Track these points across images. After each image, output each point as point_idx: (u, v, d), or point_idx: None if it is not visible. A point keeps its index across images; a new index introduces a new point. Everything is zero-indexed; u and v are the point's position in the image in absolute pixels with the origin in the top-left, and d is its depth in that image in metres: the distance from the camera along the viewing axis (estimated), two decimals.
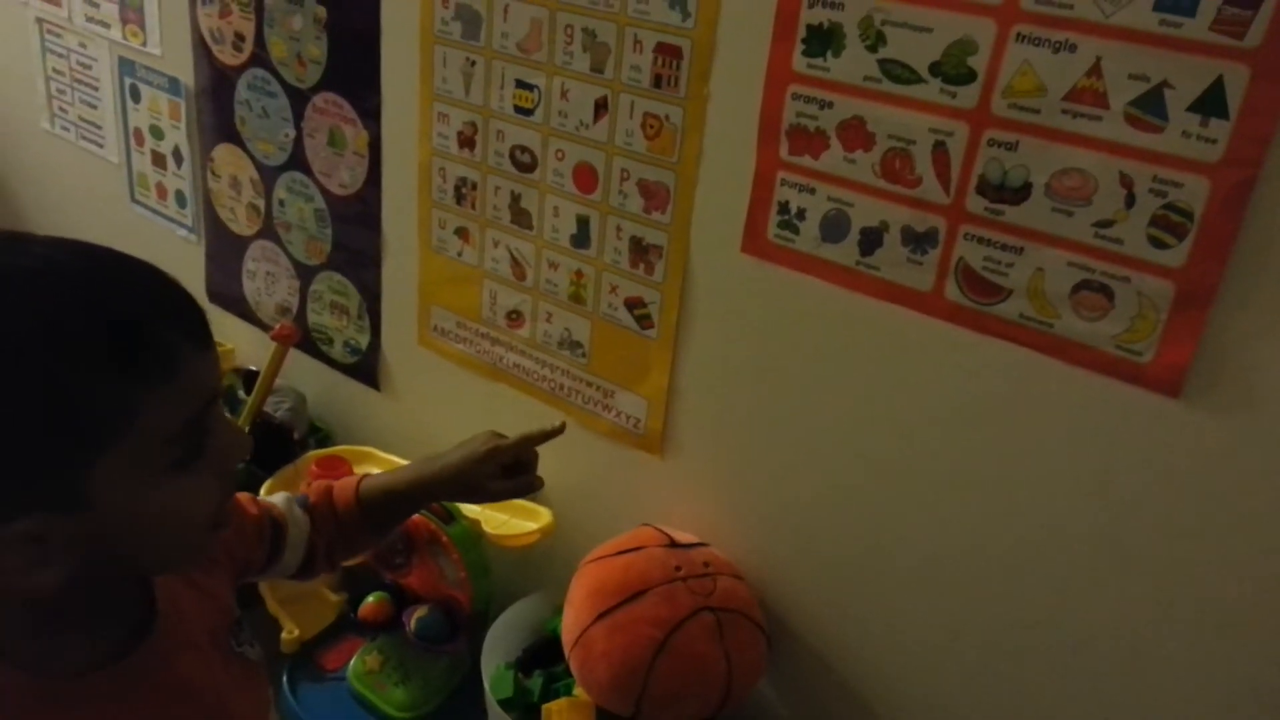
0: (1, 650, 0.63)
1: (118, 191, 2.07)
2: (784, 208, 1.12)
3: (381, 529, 1.02)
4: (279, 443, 1.61)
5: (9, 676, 0.62)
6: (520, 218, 1.37)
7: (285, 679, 1.42)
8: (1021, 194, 0.96)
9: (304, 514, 0.95)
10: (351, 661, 1.43)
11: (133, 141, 2.00)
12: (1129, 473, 0.97)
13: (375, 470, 1.55)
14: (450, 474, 0.99)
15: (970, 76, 0.96)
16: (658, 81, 1.17)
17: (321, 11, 1.52)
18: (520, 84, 1.30)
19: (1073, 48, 0.90)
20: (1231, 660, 0.96)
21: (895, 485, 1.13)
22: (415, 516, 1.37)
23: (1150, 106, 0.88)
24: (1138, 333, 0.93)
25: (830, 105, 1.05)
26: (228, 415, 0.66)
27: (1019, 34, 0.92)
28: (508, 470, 1.01)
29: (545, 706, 1.23)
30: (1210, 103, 0.85)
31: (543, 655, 1.33)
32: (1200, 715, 0.99)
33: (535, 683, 1.29)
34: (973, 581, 1.10)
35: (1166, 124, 0.87)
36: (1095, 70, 0.89)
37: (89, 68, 2.03)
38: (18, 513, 0.57)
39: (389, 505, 0.99)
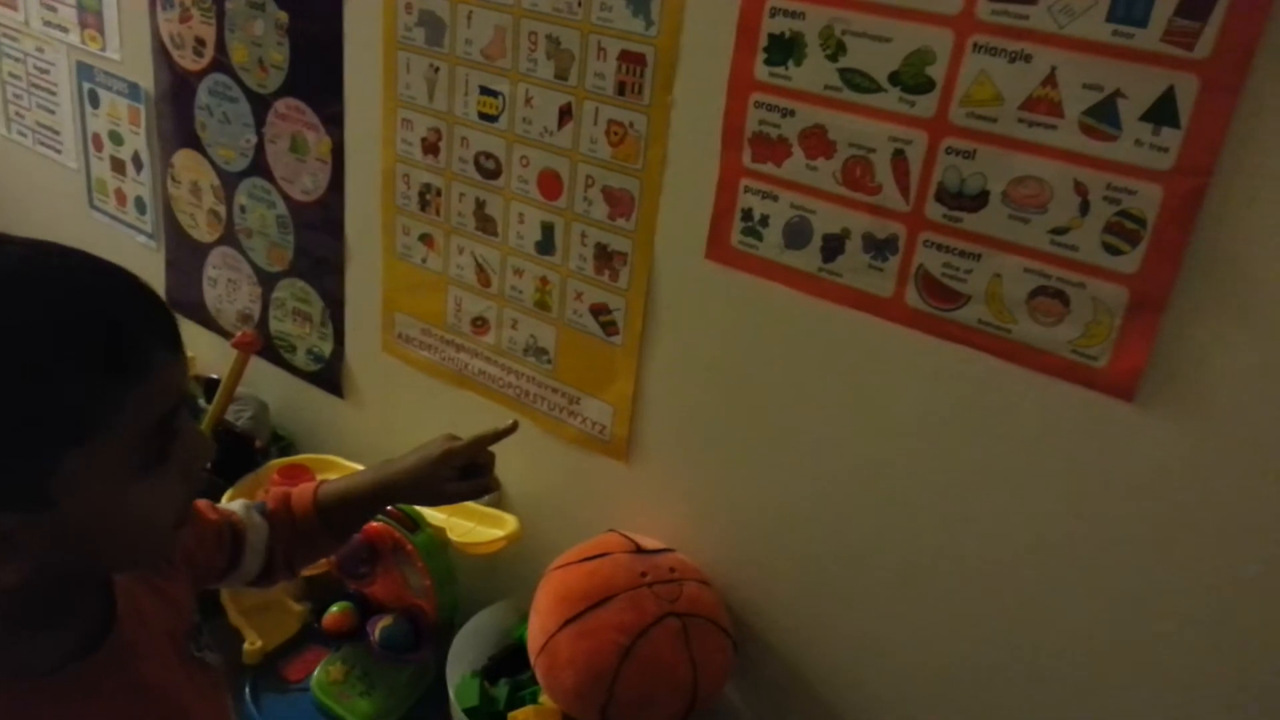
0: None
1: (76, 198, 2.04)
2: (747, 214, 1.13)
3: (340, 533, 1.02)
4: (241, 452, 1.60)
5: None
6: (485, 224, 1.37)
7: (248, 690, 1.40)
8: (979, 201, 0.97)
9: (263, 520, 0.95)
10: (315, 672, 1.42)
11: (91, 147, 1.97)
12: (1087, 475, 0.99)
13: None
14: (406, 477, 0.99)
15: (929, 86, 0.97)
16: (621, 89, 1.18)
17: (283, 17, 1.51)
18: (484, 90, 1.30)
19: (1028, 58, 0.91)
20: (1193, 662, 0.98)
21: (859, 489, 1.14)
22: (379, 525, 1.36)
23: (1104, 116, 0.89)
24: (1093, 337, 0.95)
25: (792, 113, 1.06)
26: (190, 419, 0.67)
27: (976, 44, 0.94)
28: (464, 472, 1.01)
29: (511, 715, 1.23)
30: (1162, 112, 0.87)
31: (508, 663, 1.33)
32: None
33: (501, 691, 1.28)
34: (938, 586, 1.12)
35: (1120, 133, 0.89)
36: (1050, 80, 0.91)
37: (46, 72, 2.00)
38: None
39: (347, 509, 0.99)
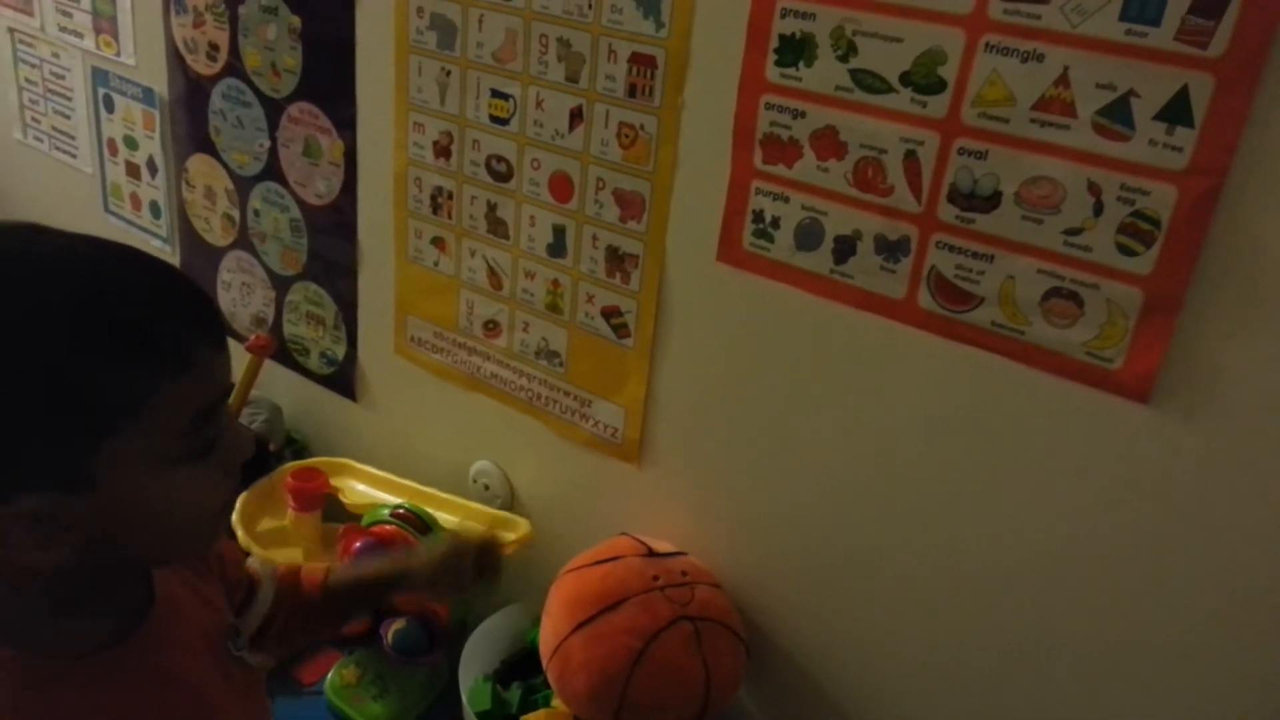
0: (5, 632, 0.64)
1: (91, 202, 2.06)
2: (759, 216, 1.12)
3: (340, 619, 1.02)
4: (255, 455, 1.60)
5: (6, 656, 0.64)
6: (497, 227, 1.37)
7: None
8: (992, 202, 0.96)
9: (271, 585, 0.94)
10: (329, 675, 1.42)
11: (106, 152, 1.99)
12: (1101, 478, 0.98)
13: (352, 481, 1.55)
14: (427, 570, 0.99)
15: (940, 86, 0.96)
16: (632, 91, 1.18)
17: (296, 21, 1.52)
18: (496, 93, 1.30)
19: (1041, 57, 0.91)
20: (1208, 662, 0.97)
21: (872, 491, 1.14)
22: (392, 529, 1.36)
23: (1117, 115, 0.89)
24: (1107, 339, 0.94)
25: (803, 115, 1.06)
26: (231, 413, 0.69)
27: (988, 44, 0.93)
28: (478, 567, 1.01)
29: (524, 718, 1.23)
30: (1176, 111, 0.86)
31: (521, 667, 1.33)
32: None
33: (514, 694, 1.28)
34: (950, 589, 1.11)
35: (1133, 133, 0.88)
36: (1063, 80, 0.90)
37: (62, 78, 2.02)
38: (25, 489, 0.58)
39: (354, 596, 0.99)
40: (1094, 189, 0.91)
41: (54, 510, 0.59)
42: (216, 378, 0.64)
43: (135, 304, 0.60)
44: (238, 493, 0.72)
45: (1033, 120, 0.92)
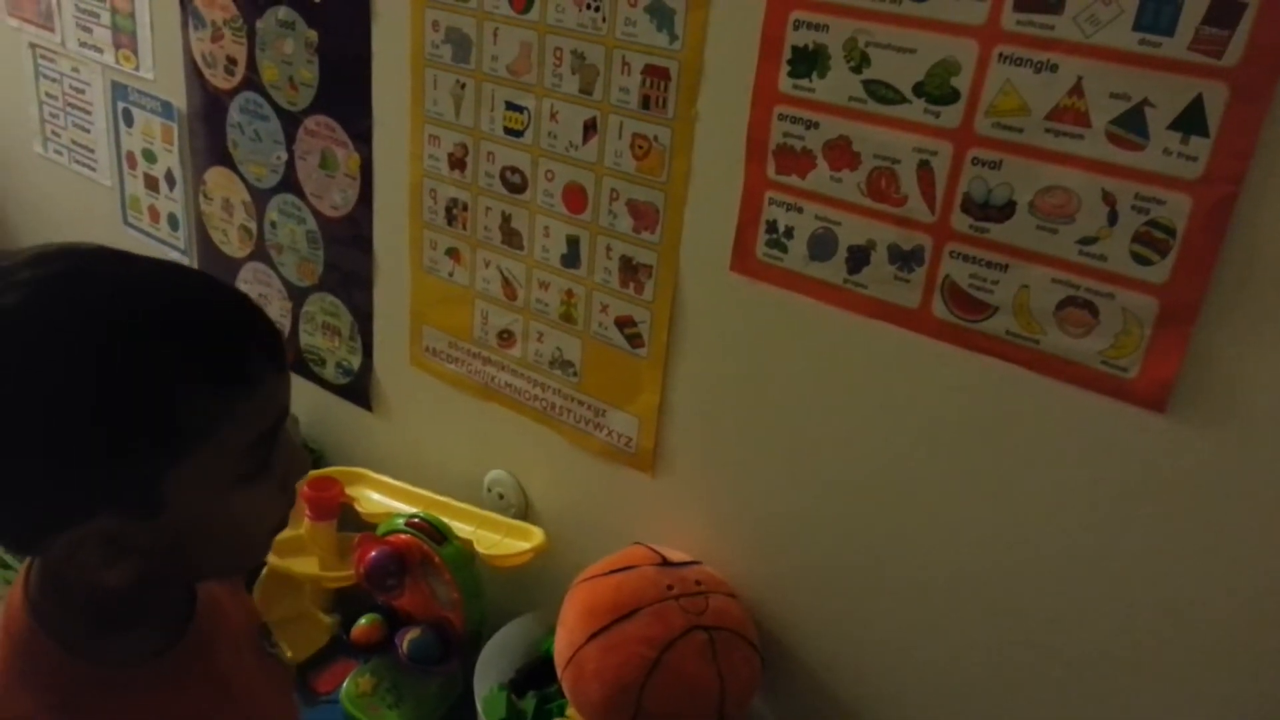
0: (65, 641, 0.66)
1: (110, 215, 2.08)
2: (772, 226, 1.13)
3: None
4: None
5: (69, 665, 0.65)
6: (511, 238, 1.38)
7: None
8: (1006, 212, 0.97)
9: None
10: (344, 684, 1.43)
11: (125, 165, 2.01)
12: (1117, 488, 0.98)
13: (368, 491, 1.56)
14: None
15: (954, 96, 0.97)
16: (646, 102, 1.18)
17: (313, 35, 1.53)
18: (510, 106, 1.31)
19: (1054, 68, 0.91)
20: (1225, 675, 0.96)
21: (887, 501, 1.14)
22: (407, 537, 1.37)
23: (1131, 125, 0.89)
24: (1123, 348, 0.94)
25: (816, 125, 1.06)
26: (289, 432, 0.69)
27: (1001, 54, 0.93)
28: None
29: None
30: (1190, 121, 0.86)
31: (536, 676, 1.33)
32: None
33: (528, 704, 1.28)
34: (967, 599, 1.11)
35: (1148, 142, 0.88)
36: (1077, 89, 0.90)
37: (82, 92, 2.04)
38: (96, 511, 0.59)
39: None
40: (1109, 198, 0.91)
41: (123, 531, 0.60)
42: (280, 398, 0.66)
43: (209, 330, 0.62)
44: (292, 507, 0.72)
45: (1047, 130, 0.93)
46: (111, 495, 0.60)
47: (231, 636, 0.77)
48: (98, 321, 0.58)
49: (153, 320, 0.60)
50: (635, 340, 1.29)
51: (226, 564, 0.70)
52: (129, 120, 1.95)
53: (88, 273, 0.60)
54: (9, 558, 2.05)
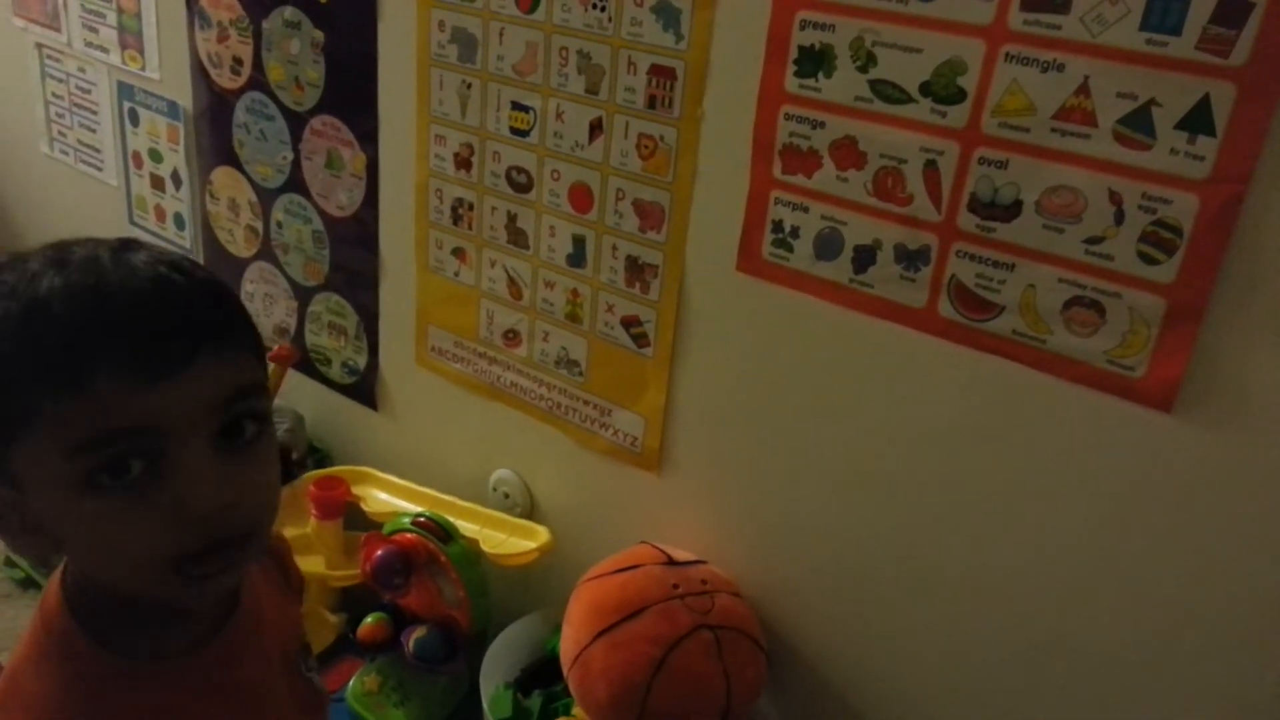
0: (93, 630, 0.66)
1: (116, 214, 2.08)
2: (778, 226, 1.13)
3: None
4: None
5: (93, 653, 0.66)
6: (517, 238, 1.38)
7: None
8: (1012, 211, 0.97)
9: None
10: (350, 682, 1.43)
11: (131, 164, 2.01)
12: (1123, 487, 0.98)
13: (374, 490, 1.56)
14: None
15: (960, 96, 0.97)
16: (652, 102, 1.18)
17: (319, 35, 1.53)
18: (516, 106, 1.31)
19: (1061, 67, 0.91)
20: (1231, 673, 0.96)
21: (893, 501, 1.14)
22: (413, 536, 1.37)
23: (1138, 124, 0.89)
24: (1130, 348, 0.94)
25: (822, 125, 1.06)
26: (208, 467, 0.61)
27: (1008, 54, 0.93)
28: None
29: None
30: (1197, 120, 0.86)
31: (542, 675, 1.33)
32: None
33: (534, 703, 1.28)
34: (972, 598, 1.11)
35: (1155, 142, 0.88)
36: (1084, 89, 0.90)
37: (88, 92, 2.05)
38: None
39: None
40: (1115, 198, 0.91)
41: (10, 501, 0.62)
42: (127, 411, 0.59)
43: (56, 320, 0.59)
44: (206, 549, 0.62)
45: (1053, 130, 0.93)
46: None
47: (263, 652, 0.76)
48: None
49: (15, 308, 0.60)
50: (641, 340, 1.29)
51: (112, 577, 0.65)
52: (135, 120, 1.96)
53: (31, 259, 0.62)
54: (16, 557, 2.06)
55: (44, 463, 0.60)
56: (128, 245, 0.64)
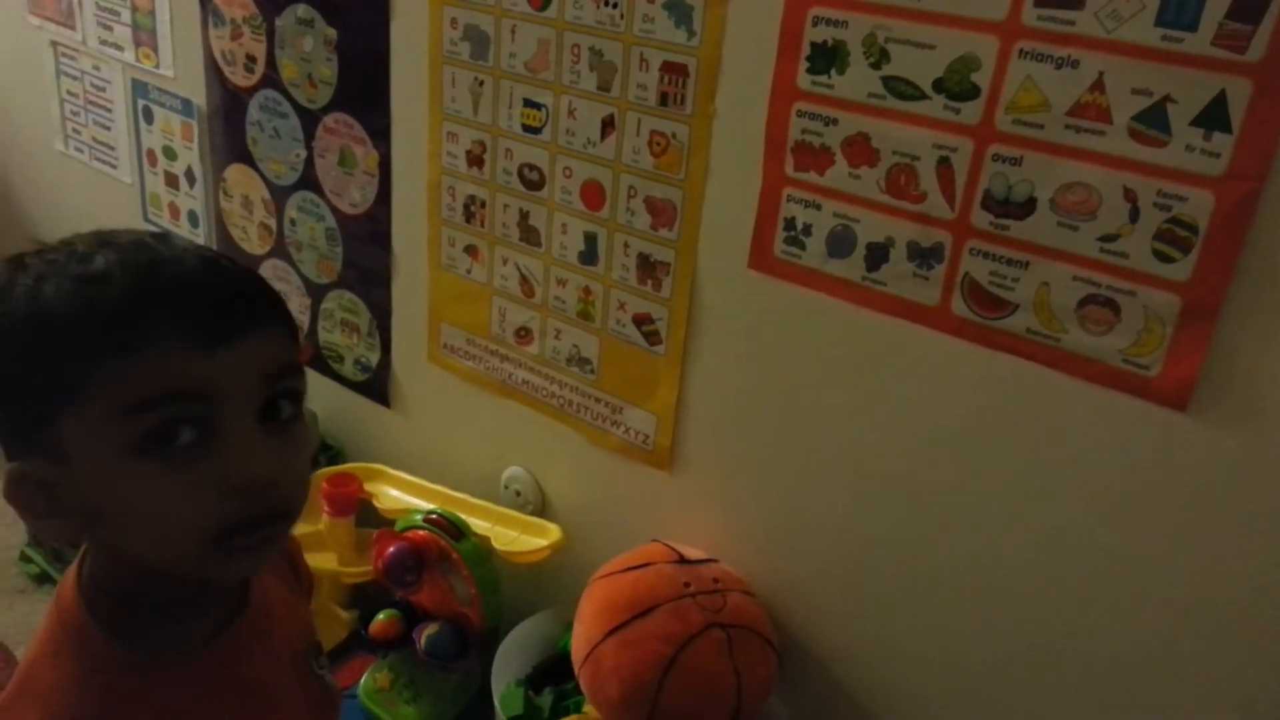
0: (106, 623, 0.67)
1: (130, 212, 2.09)
2: (790, 224, 1.12)
3: None
4: None
5: (105, 646, 0.67)
6: (529, 235, 1.38)
7: None
8: (1026, 209, 0.96)
9: None
10: (362, 679, 1.43)
11: (146, 162, 2.02)
12: (1138, 486, 0.97)
13: (386, 487, 1.56)
14: None
15: (974, 92, 0.96)
16: (664, 100, 1.18)
17: (332, 33, 1.54)
18: (528, 103, 1.31)
19: (1075, 63, 0.90)
20: (1246, 674, 0.96)
21: (905, 500, 1.13)
22: (424, 533, 1.37)
23: (1153, 121, 0.88)
24: (1145, 346, 0.93)
25: (835, 122, 1.06)
26: (255, 439, 0.63)
27: (1021, 50, 0.93)
28: None
29: None
30: (1213, 117, 0.85)
31: (553, 672, 1.33)
32: None
33: (545, 700, 1.29)
34: (986, 597, 1.10)
35: (1170, 138, 0.88)
36: (1098, 85, 0.90)
37: (102, 90, 2.06)
38: (25, 454, 0.62)
39: None
40: (1130, 195, 0.91)
41: (47, 478, 0.62)
42: (182, 372, 0.60)
43: (100, 291, 0.61)
44: (241, 523, 0.64)
45: (1068, 126, 0.92)
46: (28, 441, 0.62)
47: (274, 649, 0.76)
48: (16, 276, 0.62)
49: (55, 277, 0.61)
50: (653, 337, 1.29)
51: (150, 551, 0.65)
52: (149, 118, 1.97)
53: (63, 244, 0.64)
54: (30, 550, 2.07)
55: (96, 426, 0.61)
56: (165, 235, 0.67)
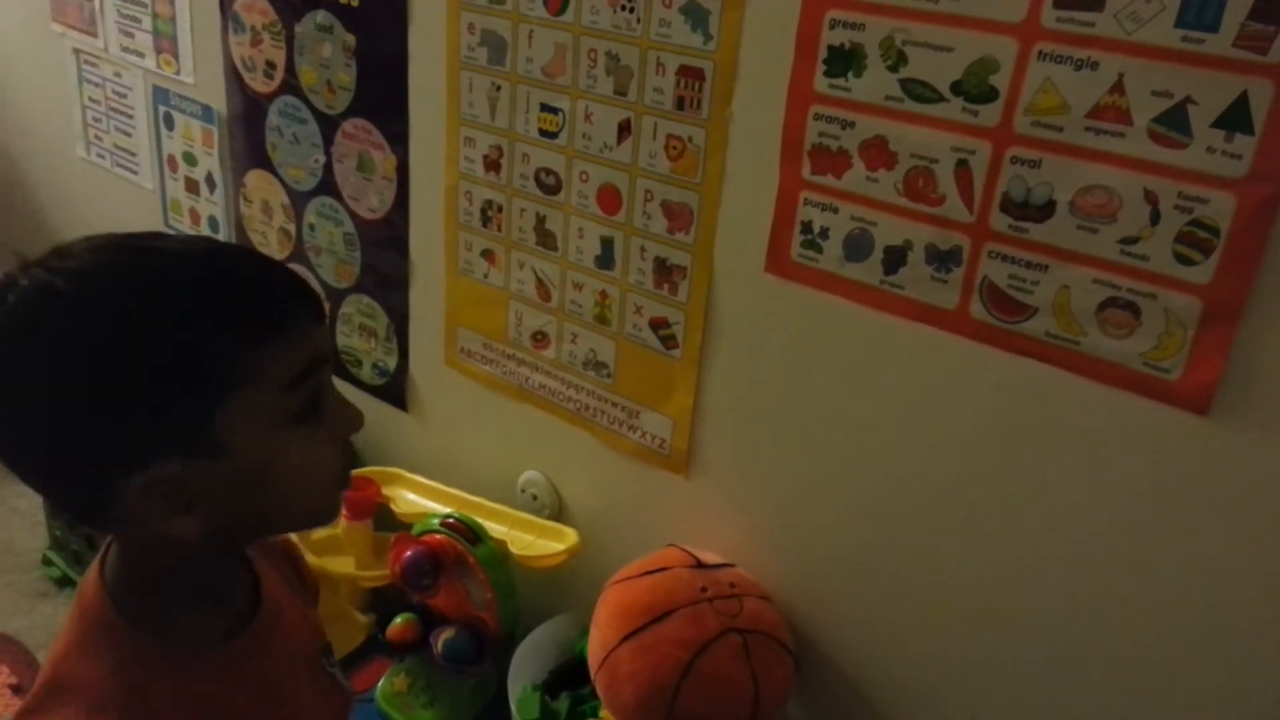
0: (132, 617, 0.69)
1: (151, 217, 2.11)
2: (807, 227, 1.12)
3: None
4: None
5: (134, 639, 0.69)
6: (545, 239, 1.38)
7: None
8: (1045, 211, 0.95)
9: None
10: (380, 683, 1.44)
11: (166, 168, 2.04)
12: (1158, 490, 0.96)
13: (403, 491, 1.57)
14: None
15: (992, 95, 0.96)
16: (680, 103, 1.18)
17: (351, 39, 1.55)
18: (545, 108, 1.32)
19: (1095, 65, 0.90)
20: (1265, 678, 0.95)
21: (923, 504, 1.13)
22: (441, 537, 1.37)
23: (1174, 123, 0.87)
24: (1165, 350, 0.92)
25: (852, 125, 1.06)
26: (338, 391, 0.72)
27: (1040, 52, 0.92)
28: None
29: None
30: (1235, 118, 0.84)
31: (569, 677, 1.33)
32: None
33: (562, 704, 1.28)
34: (1003, 603, 1.09)
35: (1191, 140, 0.87)
36: (1118, 87, 0.89)
37: (124, 96, 2.08)
38: (156, 458, 0.63)
39: None
40: (1150, 197, 0.90)
41: (187, 476, 0.64)
42: (316, 344, 0.69)
43: (239, 276, 0.67)
44: (350, 468, 0.75)
45: (1087, 128, 0.91)
46: (170, 438, 0.63)
47: (287, 648, 0.79)
48: (140, 277, 0.64)
49: (192, 273, 0.65)
50: (669, 341, 1.29)
51: (291, 514, 0.72)
52: (170, 124, 1.98)
53: (136, 243, 0.66)
54: (51, 554, 2.09)
55: (259, 408, 0.65)
56: (162, 233, 0.70)
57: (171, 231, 0.70)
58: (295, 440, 0.68)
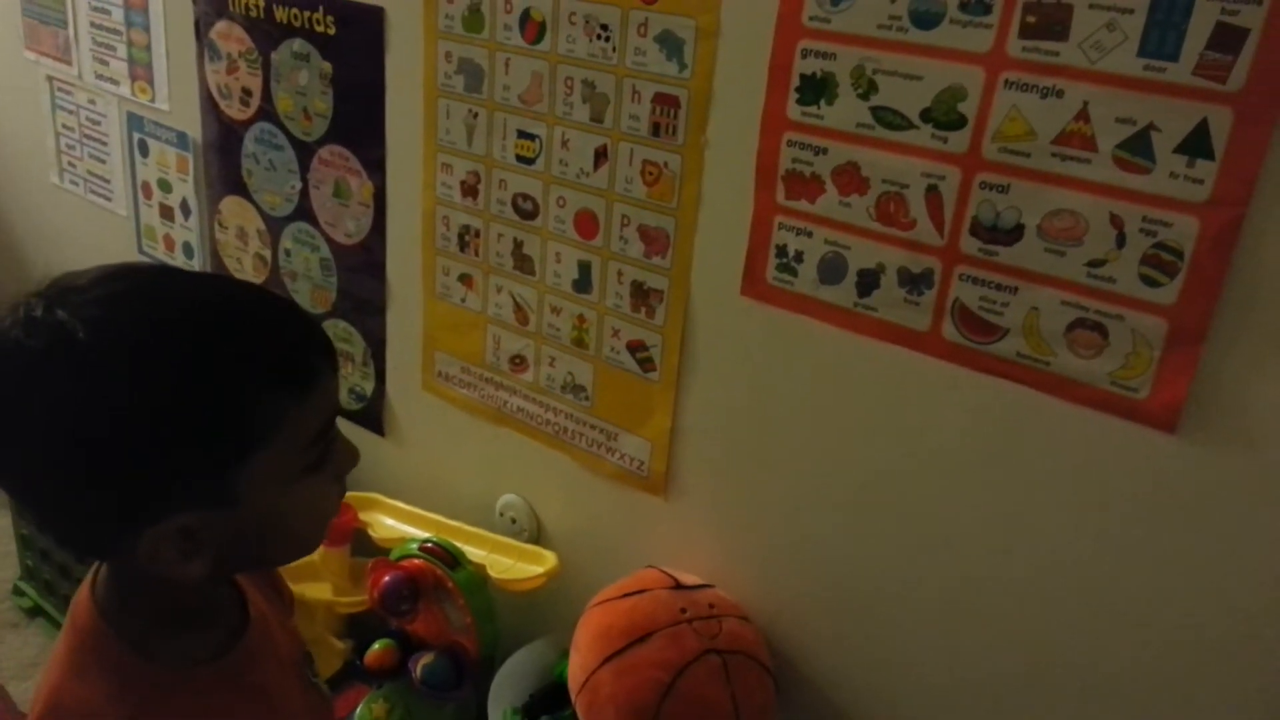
0: (128, 638, 0.70)
1: (126, 243, 2.10)
2: (782, 251, 1.14)
3: None
4: None
5: (131, 660, 0.70)
6: (523, 264, 1.39)
7: None
8: (1014, 235, 0.98)
9: None
10: (358, 710, 1.43)
11: (141, 195, 2.03)
12: (1128, 508, 0.98)
13: (381, 516, 1.56)
14: None
15: (961, 122, 0.98)
16: (656, 130, 1.20)
17: (328, 67, 1.55)
18: (522, 134, 1.33)
19: (1060, 93, 0.92)
20: (1235, 692, 0.96)
21: (899, 523, 1.14)
22: (420, 562, 1.37)
23: (1138, 149, 0.90)
24: (1133, 369, 0.94)
25: (825, 151, 1.07)
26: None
27: (1007, 81, 0.94)
28: None
29: None
30: (1196, 144, 0.87)
31: (550, 700, 1.33)
32: None
33: None
34: (980, 619, 1.11)
35: (1154, 165, 0.89)
36: (1083, 114, 0.92)
37: (98, 123, 2.07)
38: (178, 509, 0.64)
39: None
40: (1116, 221, 0.92)
41: (201, 525, 0.65)
42: (333, 396, 0.71)
43: (273, 333, 0.67)
44: (343, 498, 0.78)
45: (1054, 154, 0.94)
46: (191, 492, 0.64)
47: (278, 659, 0.81)
48: (168, 332, 0.63)
49: (220, 328, 0.65)
50: (647, 364, 1.30)
51: (291, 550, 0.74)
52: (144, 151, 1.98)
53: (155, 286, 0.66)
54: (22, 584, 2.06)
55: (279, 464, 0.66)
56: (173, 271, 0.73)
57: (176, 265, 0.70)
58: (305, 487, 0.69)
